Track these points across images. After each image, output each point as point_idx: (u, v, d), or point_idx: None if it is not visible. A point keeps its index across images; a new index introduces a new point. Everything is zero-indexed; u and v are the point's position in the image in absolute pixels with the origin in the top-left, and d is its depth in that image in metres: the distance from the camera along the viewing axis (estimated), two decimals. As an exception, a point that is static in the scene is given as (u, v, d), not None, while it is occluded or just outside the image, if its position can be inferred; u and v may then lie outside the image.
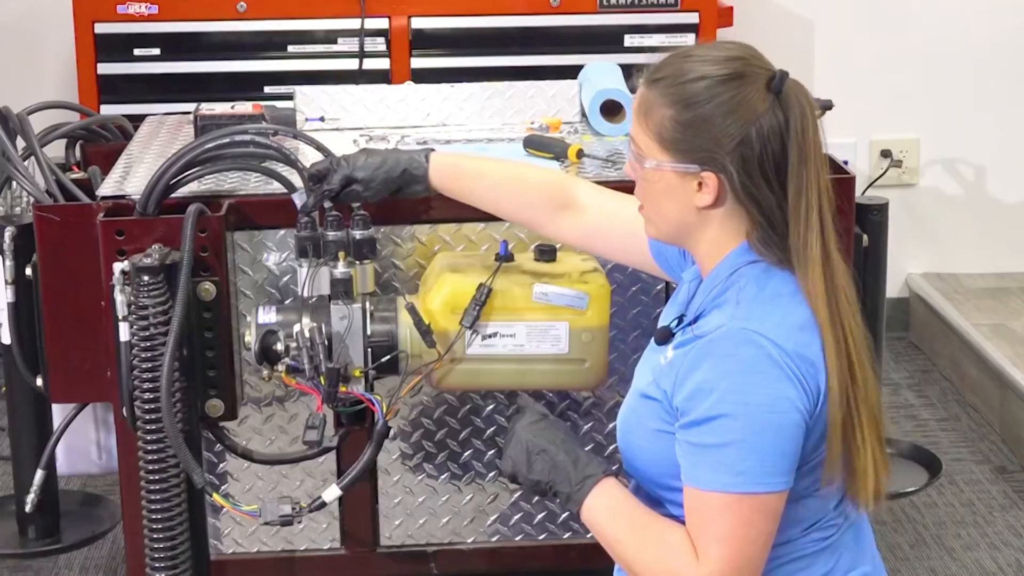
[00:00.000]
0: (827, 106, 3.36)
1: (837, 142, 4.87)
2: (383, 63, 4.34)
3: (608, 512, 2.22)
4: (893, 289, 4.99)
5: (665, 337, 2.24)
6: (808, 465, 2.15)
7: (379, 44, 4.34)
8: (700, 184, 2.15)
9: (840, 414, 2.13)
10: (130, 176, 3.03)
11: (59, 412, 3.21)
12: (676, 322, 2.25)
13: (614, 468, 2.28)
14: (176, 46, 4.33)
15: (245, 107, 3.20)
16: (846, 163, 3.23)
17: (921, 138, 5.11)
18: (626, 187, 2.63)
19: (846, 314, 2.15)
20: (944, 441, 4.38)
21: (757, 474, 2.08)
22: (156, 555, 2.73)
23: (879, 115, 5.06)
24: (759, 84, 2.13)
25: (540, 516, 3.10)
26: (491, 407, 3.04)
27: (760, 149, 2.12)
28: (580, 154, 3.11)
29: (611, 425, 2.34)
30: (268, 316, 2.70)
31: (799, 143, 2.13)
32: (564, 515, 3.08)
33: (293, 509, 2.69)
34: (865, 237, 3.13)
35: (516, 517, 3.11)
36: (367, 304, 2.71)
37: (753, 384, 2.08)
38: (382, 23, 4.33)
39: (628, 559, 2.19)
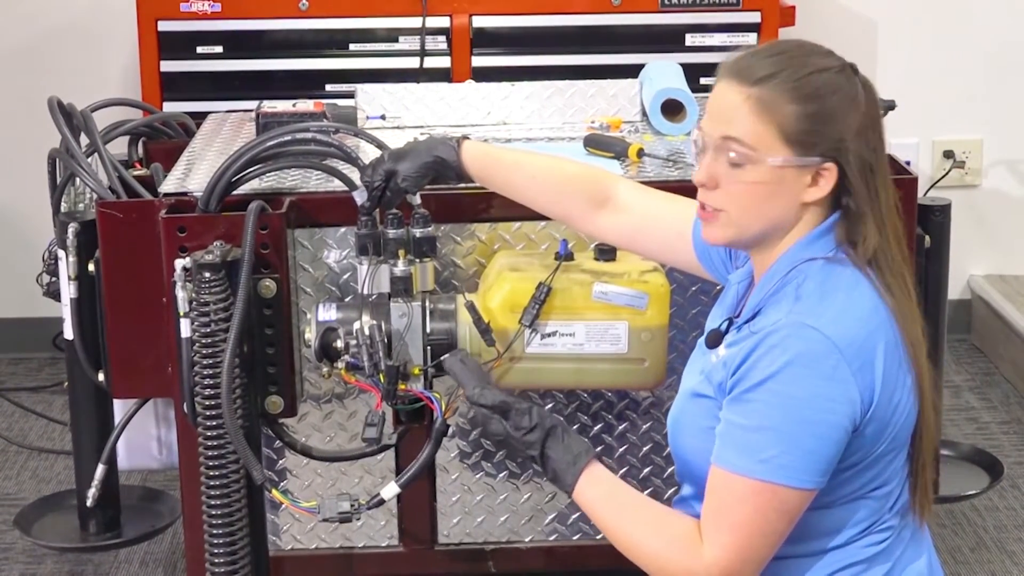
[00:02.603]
0: (890, 106, 3.34)
1: (899, 142, 4.83)
2: (444, 61, 4.34)
3: (603, 498, 2.22)
4: (955, 291, 4.94)
5: (715, 340, 2.24)
6: (862, 464, 2.15)
7: (440, 43, 4.34)
8: (816, 177, 2.15)
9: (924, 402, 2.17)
10: (192, 173, 3.04)
11: (120, 407, 3.23)
12: (726, 324, 2.24)
13: (598, 450, 2.28)
14: (239, 44, 4.35)
15: (307, 105, 3.21)
16: (908, 163, 3.20)
17: (984, 139, 5.07)
18: (677, 187, 2.63)
19: (915, 305, 2.19)
20: (1006, 444, 4.35)
21: (781, 465, 2.07)
22: (215, 550, 2.74)
23: (942, 115, 5.03)
24: (851, 73, 2.17)
25: (598, 515, 3.10)
26: (550, 406, 3.04)
27: (865, 139, 2.15)
28: (641, 153, 3.11)
29: (668, 420, 2.35)
30: (328, 313, 2.71)
31: (881, 133, 2.18)
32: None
33: (352, 506, 2.70)
34: (927, 238, 3.12)
35: (574, 516, 3.11)
36: (427, 302, 2.72)
37: (797, 377, 2.07)
38: (443, 22, 4.33)
39: (629, 544, 2.19)
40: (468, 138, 2.67)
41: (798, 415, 2.07)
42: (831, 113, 2.13)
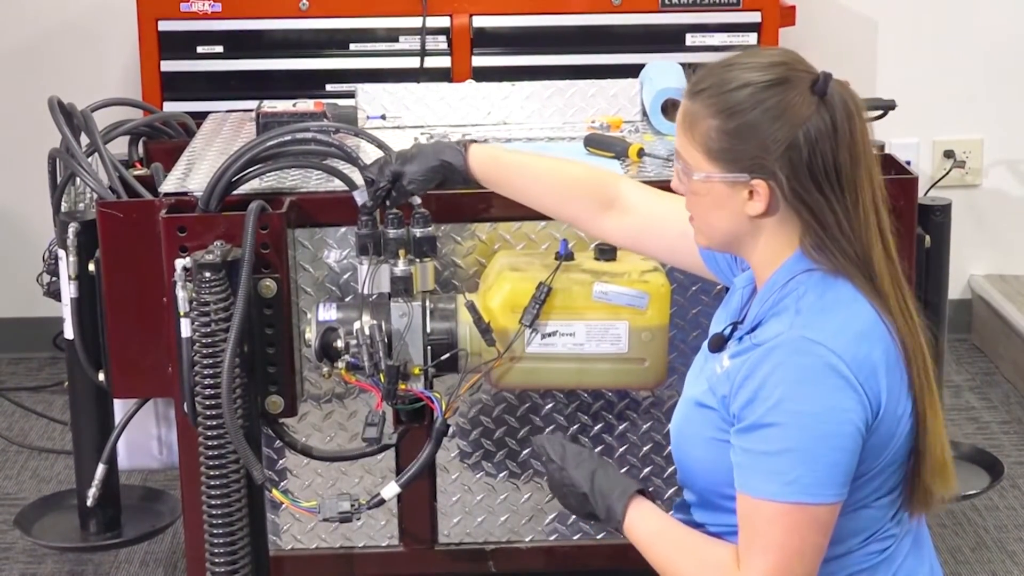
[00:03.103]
0: (890, 106, 3.35)
1: (900, 142, 4.83)
2: (444, 61, 4.34)
3: (651, 535, 2.22)
4: (955, 290, 4.94)
5: (719, 344, 2.23)
6: (868, 475, 2.14)
7: (440, 42, 4.34)
8: (751, 193, 2.13)
9: (920, 420, 2.14)
10: (192, 173, 3.04)
11: (120, 407, 3.23)
12: (730, 329, 2.24)
13: (639, 483, 2.27)
14: (239, 44, 4.35)
15: (307, 105, 3.21)
16: (909, 163, 3.20)
17: (984, 139, 5.07)
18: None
19: (914, 315, 2.16)
20: (1006, 444, 4.35)
21: (808, 484, 2.06)
22: (216, 550, 2.75)
23: (942, 115, 5.02)
24: (803, 88, 2.11)
25: (598, 515, 3.10)
26: (550, 406, 3.04)
27: (809, 153, 2.09)
28: (641, 153, 3.11)
29: (670, 425, 2.35)
30: (328, 313, 2.71)
31: (849, 145, 2.11)
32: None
33: (352, 506, 2.71)
34: (927, 238, 3.12)
35: (574, 516, 3.10)
36: (427, 302, 2.72)
37: (808, 394, 2.06)
38: (444, 21, 4.33)
39: (669, 571, 2.20)
40: (476, 141, 2.68)
41: (816, 432, 2.06)
42: (747, 129, 2.11)
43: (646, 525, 2.23)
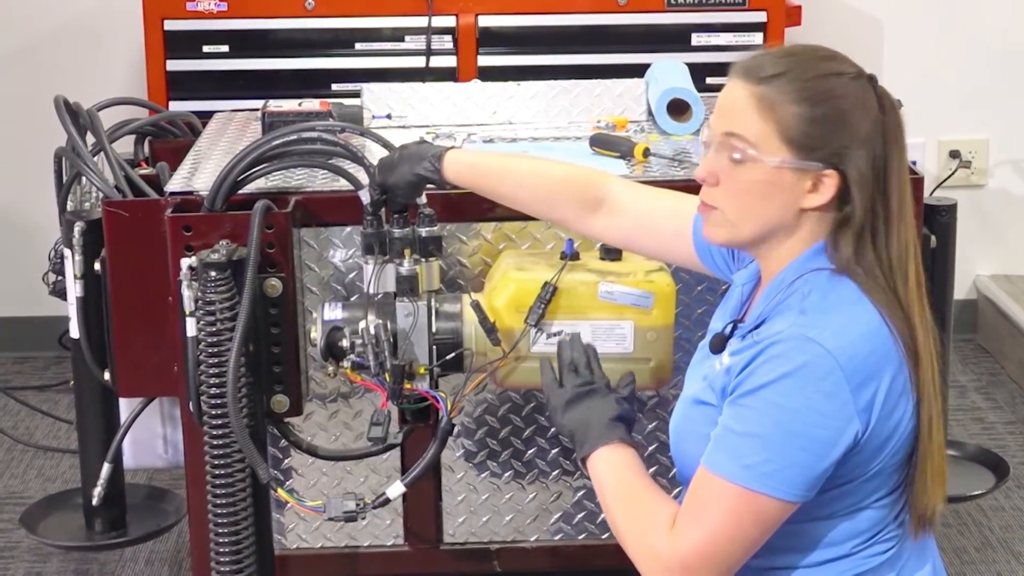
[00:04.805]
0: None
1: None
2: (450, 61, 4.34)
3: (614, 473, 2.21)
4: (961, 291, 4.95)
5: (720, 345, 2.23)
6: (864, 476, 2.13)
7: (446, 42, 4.34)
8: (815, 183, 2.12)
9: (923, 428, 2.13)
10: (198, 172, 3.04)
11: (126, 406, 3.23)
12: (730, 328, 2.23)
13: (638, 440, 2.26)
14: (245, 43, 4.36)
15: (312, 104, 3.21)
16: (914, 163, 3.20)
17: (990, 139, 5.07)
18: (682, 187, 2.62)
19: (931, 325, 2.16)
20: (1012, 444, 4.35)
21: (764, 474, 2.06)
22: (221, 549, 2.75)
23: (948, 115, 5.03)
24: (866, 82, 2.14)
25: (603, 515, 3.10)
26: (555, 405, 3.03)
27: (878, 148, 2.12)
28: (646, 153, 3.11)
29: (670, 425, 2.35)
30: (334, 312, 2.72)
31: (899, 142, 2.15)
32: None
33: (357, 505, 2.71)
34: (933, 238, 3.12)
35: (579, 516, 3.11)
36: (432, 301, 2.72)
37: (792, 389, 2.05)
38: (449, 21, 4.33)
39: (615, 521, 2.19)
40: (456, 146, 2.67)
41: (787, 427, 2.06)
42: (834, 118, 2.11)
43: (620, 463, 2.22)
